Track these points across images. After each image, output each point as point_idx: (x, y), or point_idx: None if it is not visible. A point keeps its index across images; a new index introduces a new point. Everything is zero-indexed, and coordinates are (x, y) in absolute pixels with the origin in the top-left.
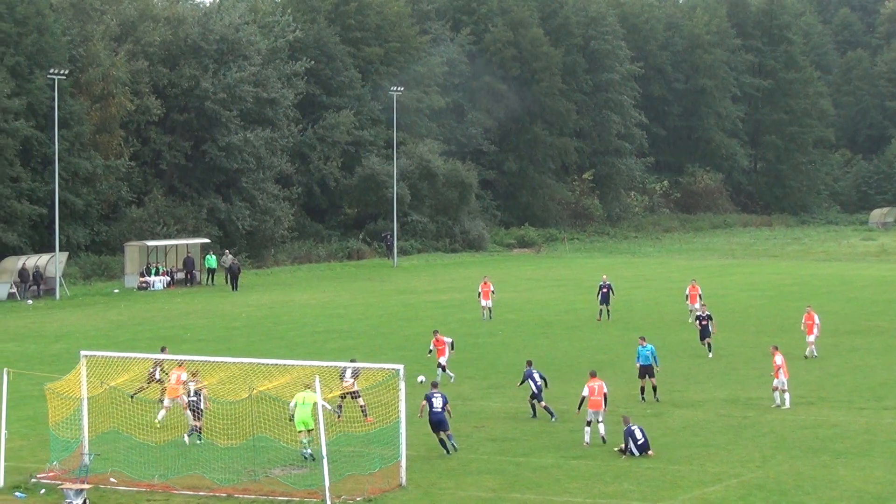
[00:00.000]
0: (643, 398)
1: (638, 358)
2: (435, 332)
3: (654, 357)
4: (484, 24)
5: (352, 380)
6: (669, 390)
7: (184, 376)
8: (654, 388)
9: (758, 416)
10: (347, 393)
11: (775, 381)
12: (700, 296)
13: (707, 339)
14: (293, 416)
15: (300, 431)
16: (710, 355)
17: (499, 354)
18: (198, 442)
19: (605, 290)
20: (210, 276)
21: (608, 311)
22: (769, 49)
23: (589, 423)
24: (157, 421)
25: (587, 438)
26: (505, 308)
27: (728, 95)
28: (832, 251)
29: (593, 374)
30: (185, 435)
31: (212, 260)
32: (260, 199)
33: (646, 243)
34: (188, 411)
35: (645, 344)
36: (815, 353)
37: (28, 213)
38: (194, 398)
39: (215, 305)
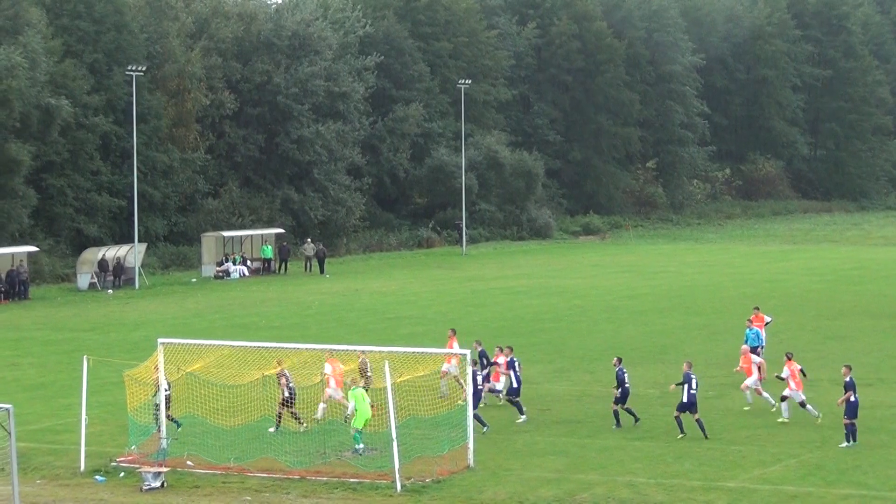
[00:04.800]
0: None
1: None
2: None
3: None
4: (549, 18)
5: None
6: (728, 373)
7: (340, 367)
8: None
9: (817, 397)
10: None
11: (785, 391)
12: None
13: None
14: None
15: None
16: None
17: (564, 339)
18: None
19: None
20: (282, 264)
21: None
22: (828, 39)
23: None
24: (316, 418)
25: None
26: (571, 294)
27: (788, 85)
28: (891, 236)
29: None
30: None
31: (267, 250)
32: (332, 190)
33: (708, 230)
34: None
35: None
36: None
37: (108, 205)
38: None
39: (290, 293)
